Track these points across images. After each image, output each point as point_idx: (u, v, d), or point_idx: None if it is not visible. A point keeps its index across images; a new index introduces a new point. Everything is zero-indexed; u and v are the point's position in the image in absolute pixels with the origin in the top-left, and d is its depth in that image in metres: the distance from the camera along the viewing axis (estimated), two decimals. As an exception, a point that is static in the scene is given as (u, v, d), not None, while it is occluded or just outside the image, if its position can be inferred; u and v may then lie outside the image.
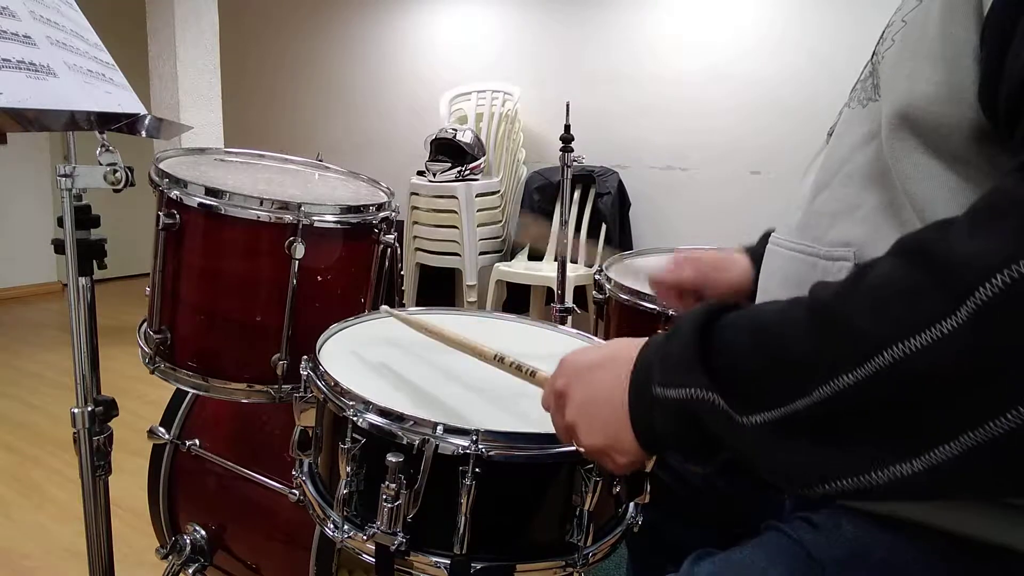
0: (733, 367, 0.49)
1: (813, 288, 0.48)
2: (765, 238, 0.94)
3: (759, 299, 0.80)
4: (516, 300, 3.64)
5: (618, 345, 0.61)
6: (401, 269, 1.29)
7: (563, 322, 1.92)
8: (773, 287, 0.75)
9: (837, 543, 0.63)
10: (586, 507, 0.75)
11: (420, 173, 3.64)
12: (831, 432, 0.45)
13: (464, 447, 0.70)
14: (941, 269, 0.41)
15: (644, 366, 0.56)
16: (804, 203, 0.72)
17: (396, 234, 1.20)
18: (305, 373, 0.85)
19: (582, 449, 0.62)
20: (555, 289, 2.09)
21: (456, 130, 3.52)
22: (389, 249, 1.21)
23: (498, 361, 0.77)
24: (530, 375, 0.73)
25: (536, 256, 3.61)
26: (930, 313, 0.40)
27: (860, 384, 0.42)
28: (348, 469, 0.76)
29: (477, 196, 3.52)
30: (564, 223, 2.04)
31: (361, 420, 0.75)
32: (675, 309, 1.01)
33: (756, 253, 0.94)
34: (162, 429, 1.37)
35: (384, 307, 1.06)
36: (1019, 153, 0.44)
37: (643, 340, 0.59)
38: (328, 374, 0.81)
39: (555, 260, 2.06)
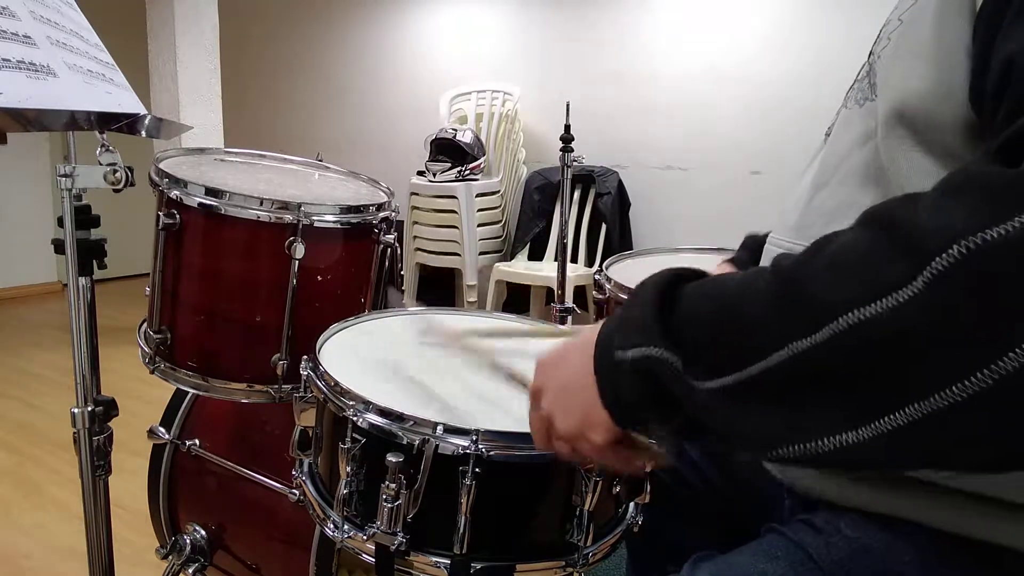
0: (691, 331, 0.49)
1: (776, 257, 0.48)
2: (746, 245, 0.94)
3: None
4: (516, 300, 3.64)
5: (581, 332, 0.61)
6: (401, 269, 1.29)
7: (563, 322, 1.92)
8: None
9: (837, 545, 0.63)
10: (586, 507, 0.75)
11: (420, 173, 3.64)
12: (784, 398, 0.44)
13: (464, 447, 0.71)
14: (903, 237, 0.41)
15: (606, 334, 0.56)
16: (802, 203, 0.72)
17: (396, 234, 1.20)
18: (305, 373, 0.86)
19: (560, 445, 0.61)
20: (555, 289, 2.09)
21: (456, 130, 3.52)
22: (389, 249, 1.21)
23: (493, 369, 0.77)
24: (522, 381, 0.73)
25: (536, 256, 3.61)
26: (888, 280, 0.40)
27: (815, 349, 0.42)
28: (348, 469, 0.76)
29: (477, 196, 3.52)
30: (564, 223, 2.04)
31: (361, 420, 0.75)
32: None
33: (739, 260, 0.94)
34: (162, 429, 1.37)
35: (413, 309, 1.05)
36: (997, 136, 0.45)
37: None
38: (328, 374, 0.81)
39: (555, 260, 2.06)
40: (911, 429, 0.40)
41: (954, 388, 0.38)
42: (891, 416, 0.40)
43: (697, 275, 0.53)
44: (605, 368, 0.55)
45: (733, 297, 0.48)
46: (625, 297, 1.30)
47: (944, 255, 0.38)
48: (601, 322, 0.59)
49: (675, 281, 0.52)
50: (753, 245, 0.93)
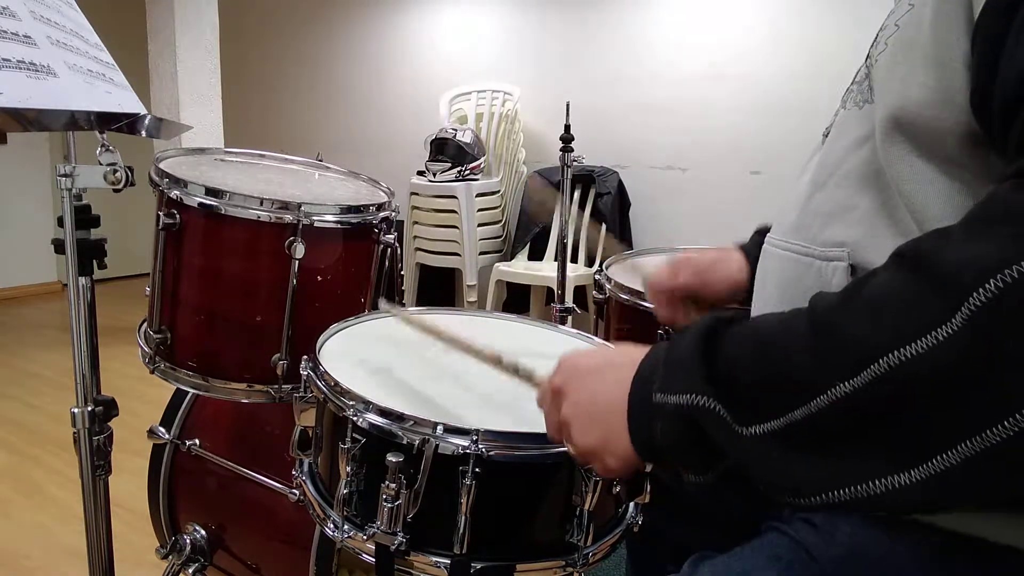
0: (734, 376, 0.50)
1: (813, 298, 0.49)
2: (758, 234, 0.94)
3: (755, 299, 0.80)
4: (516, 300, 3.64)
5: (621, 350, 0.62)
6: (401, 269, 1.29)
7: (563, 322, 1.92)
8: (768, 287, 0.76)
9: (836, 543, 0.63)
10: (586, 507, 0.75)
11: (420, 173, 3.64)
12: (829, 443, 0.44)
13: (464, 447, 0.70)
14: (936, 276, 0.41)
15: (647, 372, 0.56)
16: (799, 203, 0.72)
17: (396, 234, 1.21)
18: (305, 373, 0.85)
19: (571, 448, 0.62)
20: (555, 289, 2.09)
21: (456, 130, 3.52)
22: (389, 249, 1.21)
23: (495, 362, 0.77)
24: (527, 378, 0.73)
25: (538, 250, 3.61)
26: (926, 319, 0.40)
27: (857, 393, 0.42)
28: (348, 469, 0.76)
29: (477, 196, 3.52)
30: (564, 223, 2.04)
31: (361, 420, 0.75)
32: (663, 317, 1.00)
33: (751, 249, 0.94)
34: (162, 429, 1.37)
35: (383, 304, 1.06)
36: (1015, 159, 0.44)
37: (646, 348, 0.59)
38: (328, 374, 0.81)
39: (555, 260, 2.06)
40: (967, 466, 0.40)
41: (1006, 422, 0.38)
42: (945, 455, 0.40)
43: (737, 318, 0.54)
44: (641, 407, 0.55)
45: (774, 341, 0.48)
46: (625, 297, 1.30)
47: (981, 290, 0.38)
48: (634, 348, 0.59)
49: (716, 326, 0.53)
50: (764, 234, 0.94)
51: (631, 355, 0.59)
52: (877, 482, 0.43)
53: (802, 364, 0.46)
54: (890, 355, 0.41)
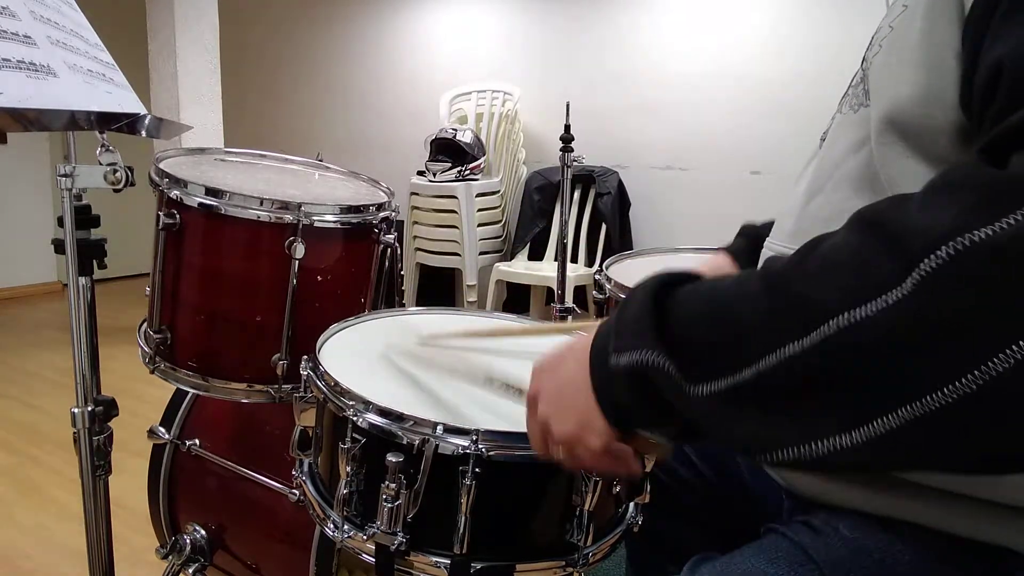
0: (684, 334, 0.49)
1: (767, 259, 0.49)
2: (743, 233, 0.94)
3: None
4: (516, 300, 3.64)
5: (578, 337, 0.61)
6: (401, 269, 1.29)
7: (563, 322, 1.92)
8: None
9: (836, 545, 0.63)
10: (586, 507, 0.75)
11: (420, 173, 3.65)
12: (777, 402, 0.44)
13: (464, 447, 0.70)
14: (892, 239, 0.41)
15: (601, 338, 0.56)
16: (797, 208, 0.72)
17: (396, 234, 1.20)
18: (305, 373, 0.85)
19: (557, 450, 0.61)
20: (555, 289, 2.09)
21: (456, 130, 3.52)
22: (389, 249, 1.21)
23: (487, 383, 0.77)
24: (518, 394, 0.73)
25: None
26: (877, 282, 0.40)
27: (806, 352, 0.42)
28: (348, 469, 0.76)
29: (477, 196, 3.52)
30: (564, 223, 2.04)
31: (361, 420, 0.75)
32: None
33: (735, 249, 0.94)
34: (162, 429, 1.37)
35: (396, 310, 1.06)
36: (984, 136, 0.44)
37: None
38: (328, 374, 0.81)
39: (555, 260, 2.06)
40: (905, 431, 0.40)
41: (946, 389, 0.38)
42: (885, 418, 0.40)
43: (690, 277, 0.53)
44: (600, 373, 0.55)
45: (725, 300, 0.48)
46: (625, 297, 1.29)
47: (933, 256, 0.38)
48: (597, 324, 0.59)
49: (669, 284, 0.52)
50: (751, 233, 0.94)
51: (586, 337, 0.58)
52: (823, 442, 0.42)
53: (752, 323, 0.45)
54: (839, 316, 0.41)
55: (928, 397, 0.39)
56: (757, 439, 0.46)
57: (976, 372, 0.37)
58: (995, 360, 0.36)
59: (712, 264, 0.96)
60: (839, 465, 0.43)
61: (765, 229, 0.82)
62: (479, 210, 3.55)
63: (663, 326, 0.50)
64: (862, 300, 0.40)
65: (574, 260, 3.44)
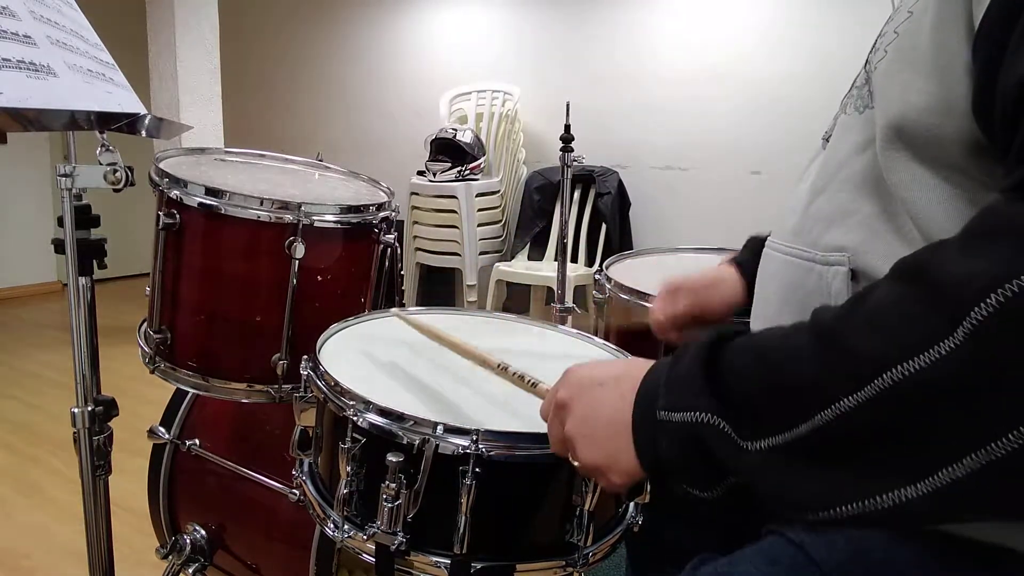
0: (738, 392, 0.50)
1: (815, 312, 0.49)
2: (749, 246, 0.94)
3: (755, 304, 0.80)
4: (516, 300, 3.64)
5: (626, 365, 0.61)
6: (401, 269, 1.29)
7: (563, 322, 1.92)
8: (769, 291, 0.76)
9: (838, 547, 0.63)
10: (586, 507, 0.75)
11: (420, 173, 3.65)
12: (835, 456, 0.45)
13: (464, 447, 0.70)
14: (937, 290, 0.41)
15: (650, 389, 0.56)
16: (800, 208, 0.72)
17: (396, 234, 1.20)
18: (305, 373, 0.85)
19: (576, 463, 0.62)
20: (555, 289, 2.09)
21: (456, 130, 3.52)
22: (389, 249, 1.21)
23: (501, 371, 0.78)
24: (531, 386, 0.73)
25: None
26: (928, 333, 0.40)
27: (861, 407, 0.42)
28: (348, 469, 0.76)
29: (477, 196, 3.52)
30: (564, 223, 2.04)
31: (361, 420, 0.75)
32: (672, 342, 1.00)
33: (743, 261, 0.94)
34: (162, 429, 1.37)
35: (394, 311, 1.06)
36: (1012, 169, 0.44)
37: (650, 362, 0.59)
38: (328, 374, 0.81)
39: (555, 260, 2.06)
40: (972, 479, 0.40)
41: (1009, 436, 0.38)
42: (947, 469, 0.40)
43: (739, 332, 0.54)
44: (646, 424, 0.55)
45: (777, 356, 0.48)
46: (625, 297, 1.30)
47: (982, 304, 0.38)
48: (639, 363, 0.59)
49: (719, 341, 0.53)
50: (755, 246, 0.93)
51: (635, 370, 0.59)
52: (884, 496, 0.43)
53: (806, 378, 0.46)
54: (894, 369, 0.41)
55: (993, 444, 0.39)
56: (815, 496, 0.46)
57: None
58: None
59: (720, 275, 0.97)
60: (902, 519, 0.43)
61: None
62: (479, 210, 3.55)
63: (716, 386, 0.50)
64: (914, 353, 0.40)
65: (574, 260, 3.44)
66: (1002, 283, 0.38)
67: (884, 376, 0.41)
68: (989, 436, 0.39)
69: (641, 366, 0.59)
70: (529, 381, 0.74)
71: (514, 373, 0.76)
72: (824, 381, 0.44)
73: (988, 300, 0.38)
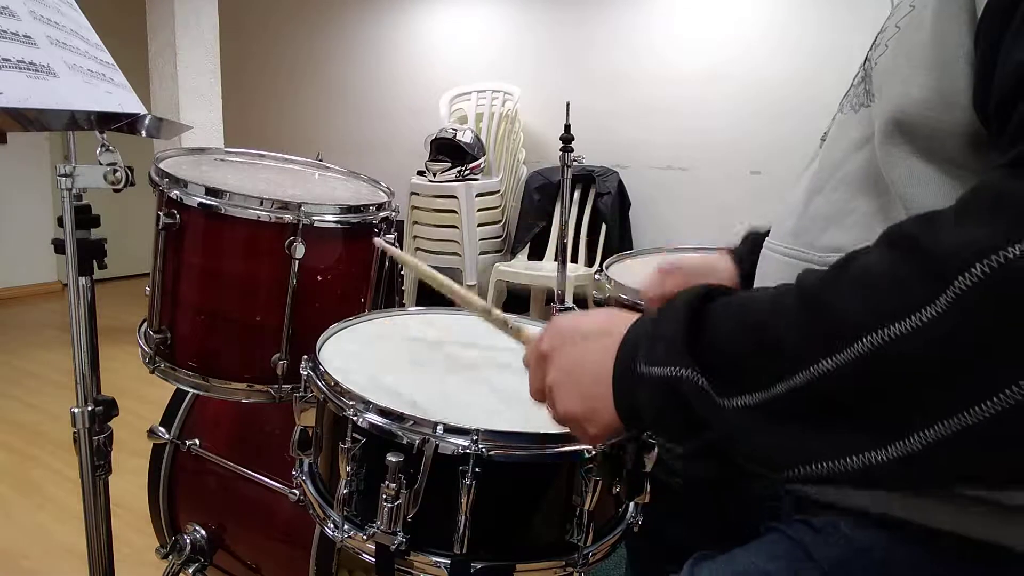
0: (719, 349, 0.50)
1: (801, 275, 0.49)
2: (749, 238, 0.94)
3: None
4: (516, 300, 3.64)
5: (610, 318, 0.61)
6: (401, 269, 1.29)
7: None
8: None
9: (836, 544, 0.63)
10: (586, 507, 0.75)
11: (420, 173, 3.64)
12: (810, 417, 0.45)
13: (464, 447, 0.71)
14: (925, 257, 0.41)
15: (632, 342, 0.56)
16: (798, 208, 0.72)
17: (396, 234, 1.20)
18: (305, 373, 0.85)
19: (552, 412, 0.62)
20: (555, 289, 2.09)
21: (456, 130, 3.52)
22: (389, 249, 1.21)
23: (484, 313, 0.77)
24: (515, 332, 0.73)
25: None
26: (912, 300, 0.40)
27: (840, 370, 0.42)
28: (348, 469, 0.76)
29: (477, 196, 3.52)
30: (564, 223, 2.04)
31: (361, 420, 0.75)
32: None
33: (740, 254, 0.94)
34: (162, 429, 1.37)
35: (377, 240, 1.06)
36: (1007, 149, 0.44)
37: (635, 315, 0.59)
38: (328, 374, 0.81)
39: (555, 260, 2.06)
40: (939, 448, 0.40)
41: (981, 406, 0.38)
42: (919, 434, 0.41)
43: (726, 291, 0.54)
44: (625, 377, 0.55)
45: (760, 315, 0.48)
46: (625, 297, 1.30)
47: (968, 274, 0.38)
48: (624, 316, 0.59)
49: (705, 297, 0.53)
50: (755, 239, 0.93)
51: (619, 324, 0.58)
52: (854, 458, 0.43)
53: (787, 339, 0.46)
54: (875, 334, 0.41)
55: (963, 414, 0.39)
56: (787, 454, 0.46)
57: (1012, 389, 0.37)
58: None
59: (715, 264, 0.96)
60: (870, 481, 0.43)
61: (768, 234, 0.82)
62: (479, 210, 3.55)
63: (698, 341, 0.50)
64: (896, 318, 0.40)
65: (574, 260, 3.44)
66: (989, 254, 0.38)
67: (865, 340, 0.41)
68: (961, 405, 0.39)
69: (626, 319, 0.59)
70: (512, 327, 0.74)
71: (497, 317, 0.75)
72: (804, 342, 0.45)
73: (973, 270, 0.38)
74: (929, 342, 0.40)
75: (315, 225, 1.09)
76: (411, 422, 0.73)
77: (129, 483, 1.68)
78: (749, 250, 0.91)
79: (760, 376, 0.46)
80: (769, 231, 0.80)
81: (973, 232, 0.39)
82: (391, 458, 0.71)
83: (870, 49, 0.66)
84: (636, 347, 0.55)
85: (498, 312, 0.76)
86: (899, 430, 0.41)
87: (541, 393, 0.64)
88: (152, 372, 1.18)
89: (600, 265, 1.44)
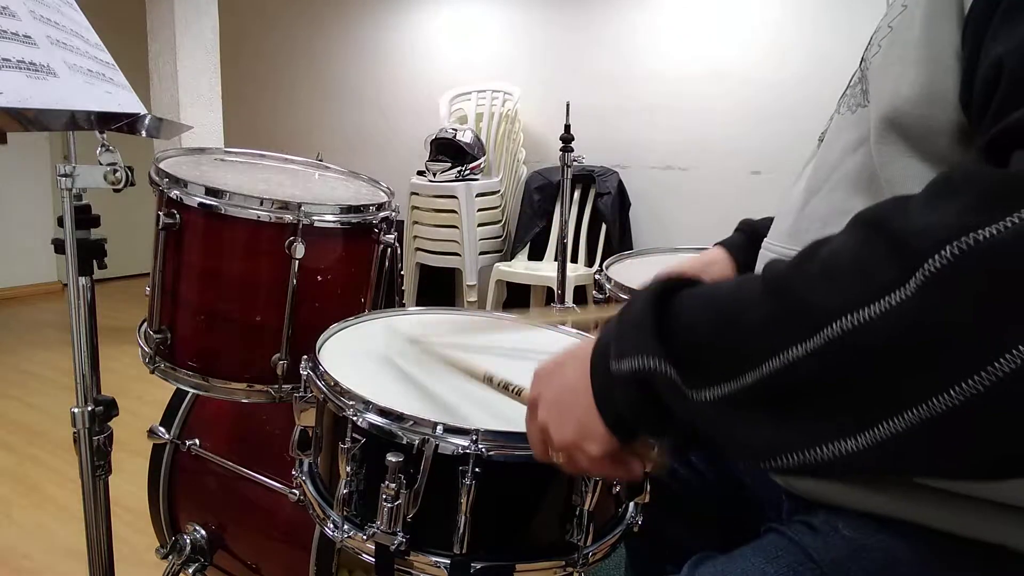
0: (686, 339, 0.49)
1: (768, 263, 0.48)
2: (741, 228, 0.94)
3: None
4: (516, 300, 3.64)
5: (586, 342, 0.60)
6: (401, 269, 1.29)
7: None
8: None
9: (836, 544, 0.63)
10: (586, 507, 0.75)
11: (420, 173, 3.64)
12: (780, 407, 0.44)
13: (464, 447, 0.70)
14: (894, 240, 0.40)
15: (602, 344, 0.55)
16: (795, 209, 0.72)
17: (396, 234, 1.20)
18: (305, 373, 0.85)
19: (557, 455, 0.61)
20: (555, 289, 2.09)
21: (456, 130, 3.52)
22: (389, 249, 1.21)
23: (486, 381, 0.77)
24: (516, 394, 0.73)
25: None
26: (881, 284, 0.39)
27: (809, 357, 0.41)
28: (348, 469, 0.76)
29: (477, 196, 3.52)
30: (564, 223, 2.04)
31: (361, 420, 0.75)
32: None
33: (732, 244, 0.93)
34: (162, 429, 1.37)
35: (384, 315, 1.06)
36: (984, 135, 0.44)
37: None
38: (328, 374, 0.81)
39: (555, 260, 2.06)
40: (911, 435, 0.39)
41: (950, 392, 0.37)
42: (890, 422, 0.40)
43: (691, 282, 0.53)
44: (601, 379, 0.55)
45: (726, 304, 0.48)
46: (626, 297, 1.30)
47: (936, 257, 0.37)
48: (599, 331, 0.58)
49: (670, 289, 0.52)
50: (748, 229, 0.93)
51: (588, 342, 0.58)
52: (827, 447, 0.42)
53: (754, 327, 0.45)
54: (843, 319, 0.40)
55: (934, 400, 0.38)
56: (760, 445, 0.45)
57: (982, 374, 0.36)
58: (1001, 361, 0.36)
59: (707, 258, 0.96)
60: (844, 470, 0.42)
61: (763, 225, 0.82)
62: (479, 210, 3.55)
63: (664, 331, 0.49)
64: (865, 302, 0.39)
65: (574, 260, 3.44)
66: (959, 236, 0.37)
67: (833, 326, 0.40)
68: (930, 392, 0.38)
69: (597, 336, 0.58)
70: (514, 389, 0.73)
71: (498, 383, 0.76)
72: (772, 330, 0.44)
73: (942, 253, 0.37)
74: (897, 327, 0.39)
75: (315, 225, 1.09)
76: (411, 422, 0.73)
77: (129, 483, 1.68)
78: (742, 240, 0.91)
79: (728, 365, 0.45)
80: (762, 221, 0.80)
81: (942, 215, 0.39)
82: (391, 458, 0.71)
83: (865, 50, 0.66)
84: (607, 346, 0.54)
85: (498, 378, 0.75)
86: (870, 418, 0.40)
87: (541, 440, 0.62)
88: (152, 372, 1.18)
89: (600, 265, 1.44)
